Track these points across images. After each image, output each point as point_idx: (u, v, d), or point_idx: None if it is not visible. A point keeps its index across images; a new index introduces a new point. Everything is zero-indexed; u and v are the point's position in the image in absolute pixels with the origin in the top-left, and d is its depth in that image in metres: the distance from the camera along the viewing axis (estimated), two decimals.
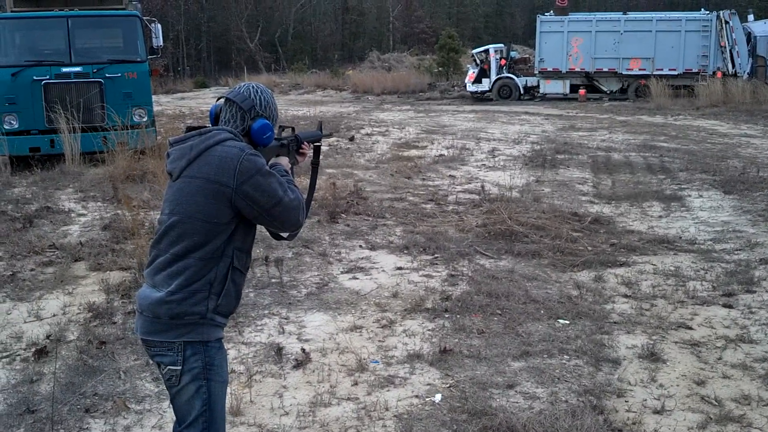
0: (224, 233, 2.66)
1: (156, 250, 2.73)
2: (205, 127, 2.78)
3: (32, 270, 6.87)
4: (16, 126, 12.20)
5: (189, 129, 2.76)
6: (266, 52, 55.77)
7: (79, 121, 11.98)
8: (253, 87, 2.84)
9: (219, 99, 2.88)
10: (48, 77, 12.19)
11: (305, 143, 3.15)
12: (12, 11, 13.01)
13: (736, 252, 7.32)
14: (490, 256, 7.19)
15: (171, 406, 2.84)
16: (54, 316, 5.72)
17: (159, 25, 13.41)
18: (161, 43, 13.47)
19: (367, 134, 17.85)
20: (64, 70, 12.30)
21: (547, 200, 9.77)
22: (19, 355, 5.01)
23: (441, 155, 14.10)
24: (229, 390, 4.11)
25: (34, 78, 12.11)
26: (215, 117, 2.86)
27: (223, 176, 2.61)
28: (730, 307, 5.73)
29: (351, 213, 8.85)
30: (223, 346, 2.80)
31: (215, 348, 2.73)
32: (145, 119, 12.73)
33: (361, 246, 7.63)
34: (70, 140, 11.88)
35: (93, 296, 6.07)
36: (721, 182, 10.78)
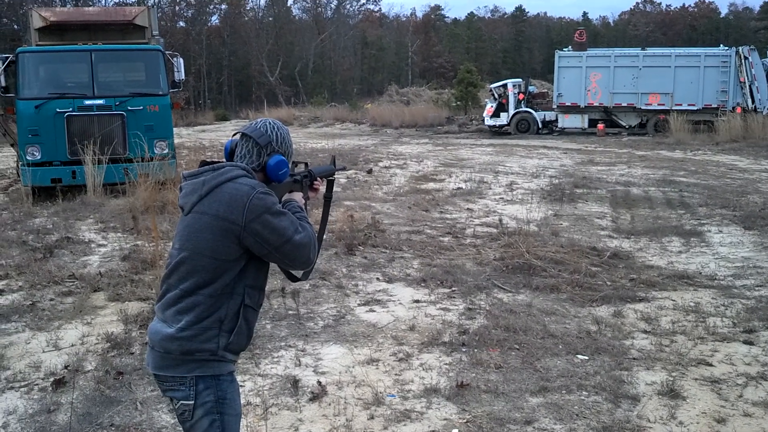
0: (233, 270, 2.63)
1: (166, 284, 2.72)
2: (220, 162, 2.77)
3: (52, 300, 6.92)
4: (39, 157, 12.38)
5: (203, 163, 2.76)
6: (286, 85, 56.47)
7: (101, 153, 12.14)
8: (270, 123, 2.83)
9: (235, 134, 2.87)
10: (71, 110, 12.39)
11: (318, 178, 3.12)
12: (37, 44, 13.30)
13: (756, 288, 7.24)
14: (507, 290, 7.16)
15: None
16: (72, 346, 5.74)
17: (181, 59, 13.65)
18: (183, 76, 13.73)
19: (385, 167, 17.93)
20: (87, 102, 12.51)
21: (566, 234, 9.73)
22: (37, 384, 5.03)
23: (459, 188, 14.12)
24: (244, 422, 4.11)
25: (57, 110, 12.31)
26: (230, 152, 2.86)
27: (232, 213, 2.59)
28: (750, 343, 5.65)
29: (368, 245, 8.84)
30: (235, 378, 2.79)
31: (227, 381, 2.71)
32: (166, 151, 12.89)
33: (378, 278, 7.62)
34: (93, 171, 12.03)
35: (111, 326, 6.09)
36: (741, 218, 10.69)
